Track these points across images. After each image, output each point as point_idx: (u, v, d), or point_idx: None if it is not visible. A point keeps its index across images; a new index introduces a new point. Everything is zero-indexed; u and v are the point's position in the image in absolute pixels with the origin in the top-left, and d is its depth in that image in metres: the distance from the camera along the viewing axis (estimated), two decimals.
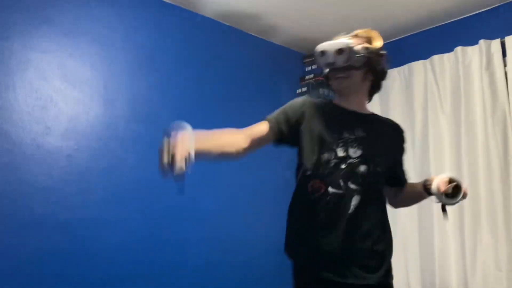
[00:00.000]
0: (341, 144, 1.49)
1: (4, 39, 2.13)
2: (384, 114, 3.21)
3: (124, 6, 2.59)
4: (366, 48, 1.50)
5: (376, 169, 1.52)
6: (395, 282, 1.65)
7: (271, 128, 1.52)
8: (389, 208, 3.06)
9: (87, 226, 2.26)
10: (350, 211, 1.46)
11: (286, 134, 1.53)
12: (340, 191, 1.46)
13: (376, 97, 3.19)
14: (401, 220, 3.04)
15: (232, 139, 1.46)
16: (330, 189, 1.46)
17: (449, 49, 2.96)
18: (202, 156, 1.30)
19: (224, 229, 2.80)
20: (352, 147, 1.49)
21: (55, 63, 2.29)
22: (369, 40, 1.55)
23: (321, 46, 1.51)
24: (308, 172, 1.50)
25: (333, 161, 1.48)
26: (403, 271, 2.98)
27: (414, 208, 2.98)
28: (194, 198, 2.64)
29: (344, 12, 3.00)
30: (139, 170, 2.48)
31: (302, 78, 3.58)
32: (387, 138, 1.62)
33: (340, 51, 1.47)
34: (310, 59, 3.58)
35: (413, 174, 3.00)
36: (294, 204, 1.58)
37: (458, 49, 2.87)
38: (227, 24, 3.13)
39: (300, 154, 1.56)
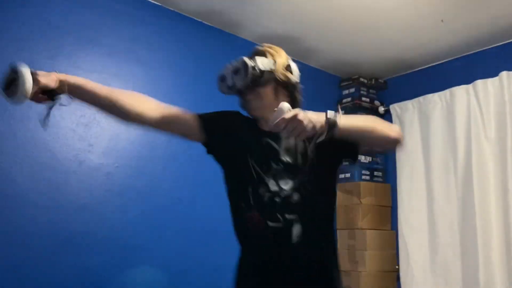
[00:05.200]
0: (271, 177, 1.41)
1: (52, 58, 2.20)
2: (424, 141, 3.18)
3: (167, 28, 2.65)
4: (265, 62, 1.41)
5: (308, 190, 1.41)
6: None
7: (197, 118, 1.47)
8: (421, 238, 3.01)
9: (124, 244, 2.27)
10: (293, 241, 1.38)
11: (214, 134, 1.47)
12: (280, 224, 1.38)
13: (416, 123, 3.21)
14: (441, 249, 2.94)
15: (138, 101, 1.41)
16: (270, 223, 1.38)
17: (493, 74, 2.89)
18: (87, 100, 1.33)
19: None
20: (282, 178, 1.41)
21: (100, 82, 2.31)
22: (272, 55, 1.46)
23: (221, 71, 1.45)
24: (243, 204, 1.43)
25: (267, 195, 1.40)
26: None
27: (456, 235, 2.88)
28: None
29: (382, 37, 2.98)
30: (176, 189, 2.49)
31: (340, 102, 3.56)
32: (305, 147, 1.45)
33: (236, 70, 1.40)
34: (348, 83, 3.56)
35: (455, 204, 2.92)
36: (236, 232, 1.50)
37: (504, 74, 2.80)
38: None
39: (228, 176, 1.51)
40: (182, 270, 2.44)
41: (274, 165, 1.42)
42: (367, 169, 3.37)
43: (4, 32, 2.07)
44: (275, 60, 1.44)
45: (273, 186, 1.40)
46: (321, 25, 2.85)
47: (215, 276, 2.54)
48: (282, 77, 1.44)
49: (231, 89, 1.43)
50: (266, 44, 1.52)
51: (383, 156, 3.52)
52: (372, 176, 3.39)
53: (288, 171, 1.42)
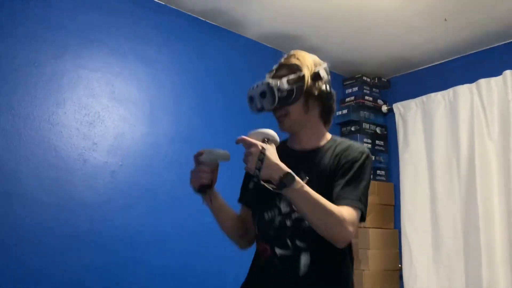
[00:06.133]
0: (284, 197, 1.29)
1: (57, 58, 2.21)
2: (427, 140, 3.18)
3: (171, 27, 2.66)
4: (290, 80, 1.30)
5: None
6: None
7: (242, 205, 1.53)
8: (424, 237, 3.01)
9: (128, 242, 2.28)
10: (301, 273, 1.26)
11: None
12: (288, 252, 1.28)
13: (419, 122, 3.20)
14: (444, 248, 2.94)
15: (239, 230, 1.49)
16: (277, 250, 1.29)
17: (496, 73, 2.89)
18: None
19: None
20: None
21: (104, 81, 2.35)
22: (297, 67, 1.34)
23: (249, 91, 1.36)
24: (258, 233, 1.38)
25: (278, 219, 1.31)
26: None
27: (459, 234, 2.87)
28: None
29: (385, 36, 2.98)
30: (180, 188, 2.48)
31: (343, 101, 3.56)
32: (325, 170, 1.34)
33: (263, 94, 1.31)
34: (351, 82, 3.56)
35: (458, 203, 2.92)
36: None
37: (507, 72, 2.79)
38: (269, 46, 3.15)
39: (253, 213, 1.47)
40: (186, 268, 2.45)
41: None
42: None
43: (8, 31, 2.08)
44: (302, 73, 1.33)
45: (284, 208, 1.32)
46: (324, 24, 2.85)
47: (219, 275, 2.55)
48: (311, 89, 1.33)
49: (261, 111, 1.35)
50: (292, 52, 1.41)
51: (386, 155, 3.53)
52: (375, 175, 3.39)
53: None
